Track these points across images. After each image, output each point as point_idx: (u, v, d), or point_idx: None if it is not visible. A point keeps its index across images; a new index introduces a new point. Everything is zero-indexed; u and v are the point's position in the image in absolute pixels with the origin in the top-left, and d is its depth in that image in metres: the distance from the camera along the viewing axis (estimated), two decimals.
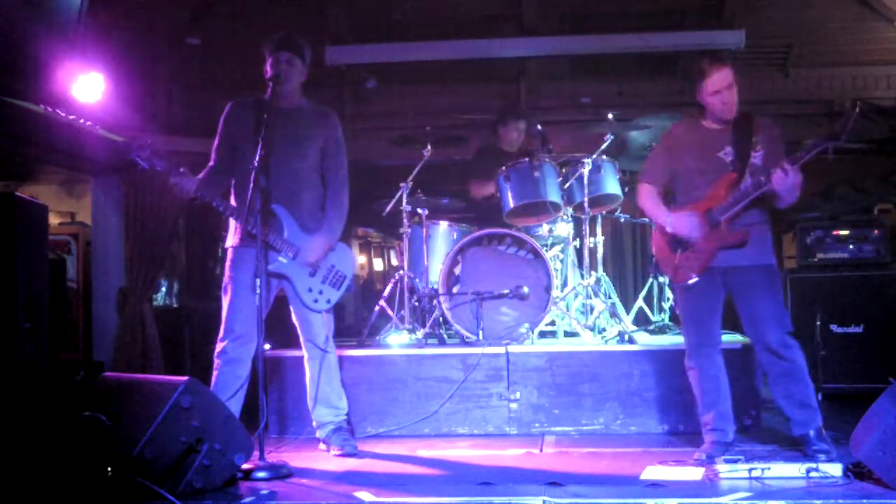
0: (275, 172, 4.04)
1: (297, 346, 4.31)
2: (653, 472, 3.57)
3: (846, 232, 5.70)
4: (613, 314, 5.36)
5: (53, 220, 7.11)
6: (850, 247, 5.68)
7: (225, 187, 4.21)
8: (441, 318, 5.28)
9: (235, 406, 3.97)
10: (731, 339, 4.65)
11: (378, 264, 12.17)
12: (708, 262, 3.87)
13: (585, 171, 5.39)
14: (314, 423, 4.32)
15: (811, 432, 3.83)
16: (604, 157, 5.51)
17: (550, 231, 5.57)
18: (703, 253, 3.87)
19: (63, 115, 5.30)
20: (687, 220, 3.89)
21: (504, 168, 5.37)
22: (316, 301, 4.14)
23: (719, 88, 3.90)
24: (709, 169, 3.91)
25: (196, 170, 4.15)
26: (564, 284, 5.69)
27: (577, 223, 5.68)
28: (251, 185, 3.78)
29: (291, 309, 4.25)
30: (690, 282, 3.89)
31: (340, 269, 4.20)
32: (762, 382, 4.79)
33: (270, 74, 4.05)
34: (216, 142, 4.22)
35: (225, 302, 4.11)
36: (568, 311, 5.56)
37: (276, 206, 4.06)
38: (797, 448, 3.98)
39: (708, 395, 3.98)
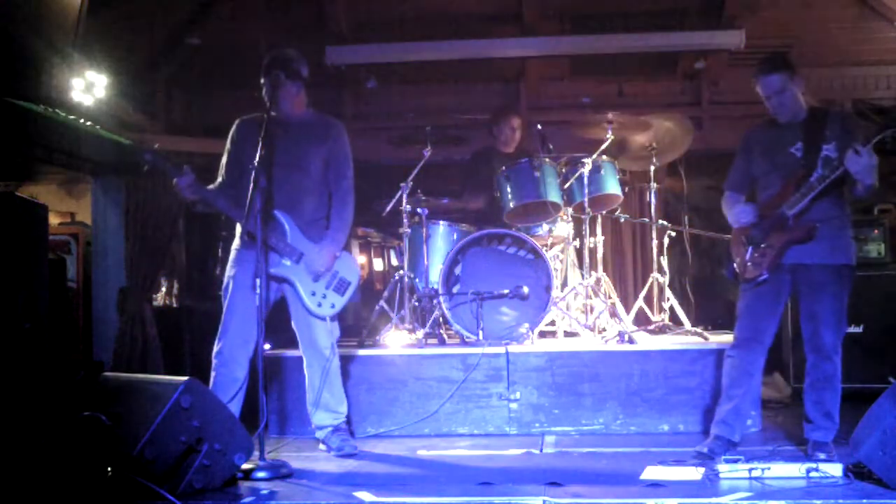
0: (278, 182, 4.05)
1: (297, 346, 4.31)
2: (653, 472, 3.57)
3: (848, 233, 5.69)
4: (613, 314, 5.35)
5: (53, 220, 7.11)
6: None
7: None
8: (441, 318, 5.28)
9: (234, 409, 3.95)
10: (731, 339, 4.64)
11: (378, 264, 12.15)
12: (778, 258, 3.85)
13: (585, 171, 5.39)
14: (313, 426, 4.32)
15: (821, 440, 3.84)
16: (604, 157, 5.51)
17: (550, 231, 5.57)
18: (772, 250, 3.85)
19: (63, 115, 5.30)
20: (742, 210, 3.92)
21: (504, 168, 5.37)
22: (320, 305, 4.14)
23: (768, 95, 3.89)
24: (781, 166, 3.89)
25: (197, 171, 4.15)
26: (564, 284, 5.69)
27: (577, 223, 5.68)
28: (251, 184, 3.77)
29: (291, 315, 4.24)
30: (761, 279, 3.88)
31: (345, 276, 4.20)
32: (761, 382, 4.80)
33: (265, 93, 4.06)
34: (224, 160, 4.24)
35: (224, 302, 4.11)
36: (568, 311, 5.56)
37: (278, 211, 4.07)
38: (797, 448, 3.99)
39: (733, 388, 3.98)
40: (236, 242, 4.17)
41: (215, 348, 4.08)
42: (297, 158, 4.14)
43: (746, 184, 4.07)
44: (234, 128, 4.25)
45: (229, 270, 4.13)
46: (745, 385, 3.97)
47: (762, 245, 3.88)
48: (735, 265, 4.01)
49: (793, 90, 3.87)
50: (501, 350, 4.83)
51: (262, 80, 4.11)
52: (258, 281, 3.75)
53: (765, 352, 3.99)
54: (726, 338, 4.59)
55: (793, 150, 3.87)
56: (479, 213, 5.90)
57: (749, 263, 3.92)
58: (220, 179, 4.21)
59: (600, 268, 5.61)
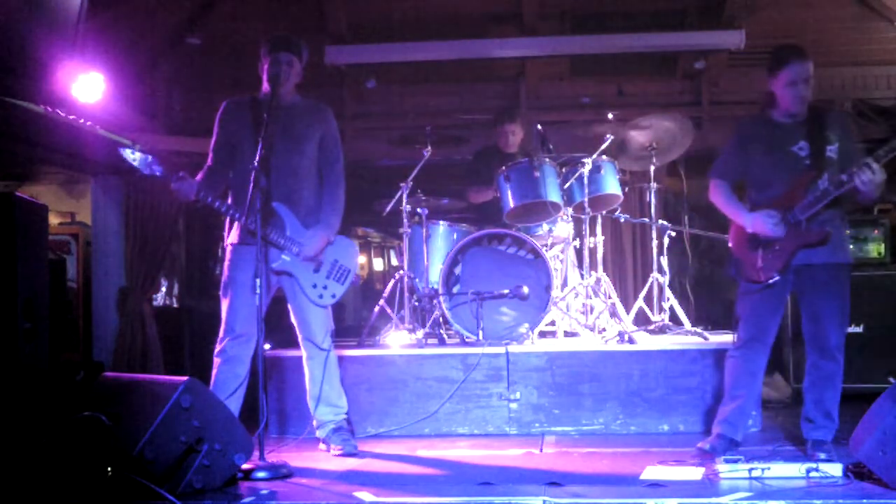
0: (274, 170, 4.04)
1: (297, 346, 4.31)
2: (653, 472, 3.57)
3: (846, 232, 5.69)
4: (613, 314, 5.35)
5: (53, 220, 7.11)
6: (850, 247, 5.66)
7: (224, 186, 4.21)
8: (441, 318, 5.28)
9: (234, 405, 3.98)
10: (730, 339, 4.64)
11: (378, 264, 12.16)
12: (789, 261, 3.81)
13: (585, 171, 5.39)
14: (314, 423, 4.32)
15: (821, 439, 3.84)
16: (604, 157, 5.52)
17: (550, 231, 5.57)
18: (785, 252, 3.81)
19: (63, 115, 5.30)
20: (769, 220, 3.82)
21: (504, 168, 5.37)
22: (321, 297, 4.15)
23: (796, 80, 3.81)
24: (783, 164, 3.85)
25: (197, 170, 4.16)
26: (564, 284, 5.69)
27: (577, 223, 5.68)
28: (251, 184, 3.78)
29: (289, 308, 4.24)
30: (771, 281, 3.83)
31: (344, 264, 4.20)
32: (763, 382, 4.80)
33: (269, 75, 4.06)
34: (213, 141, 4.22)
35: (224, 301, 4.11)
36: (568, 311, 5.55)
37: (277, 203, 4.06)
38: (797, 448, 3.99)
39: (738, 388, 3.96)
40: (233, 238, 4.15)
41: (217, 347, 4.09)
42: (293, 143, 4.14)
43: (738, 175, 4.03)
44: (222, 109, 4.23)
45: (228, 269, 4.13)
46: (749, 385, 3.97)
47: (775, 247, 3.84)
48: (740, 265, 3.96)
49: (813, 81, 3.84)
50: (501, 350, 4.83)
51: (266, 60, 4.10)
52: (258, 281, 3.75)
53: (768, 352, 3.97)
54: (726, 338, 4.58)
55: (795, 150, 3.84)
56: (480, 213, 5.90)
57: (760, 265, 3.86)
58: (208, 163, 4.20)
59: (600, 268, 5.61)
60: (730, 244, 4.04)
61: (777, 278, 3.83)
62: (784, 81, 3.84)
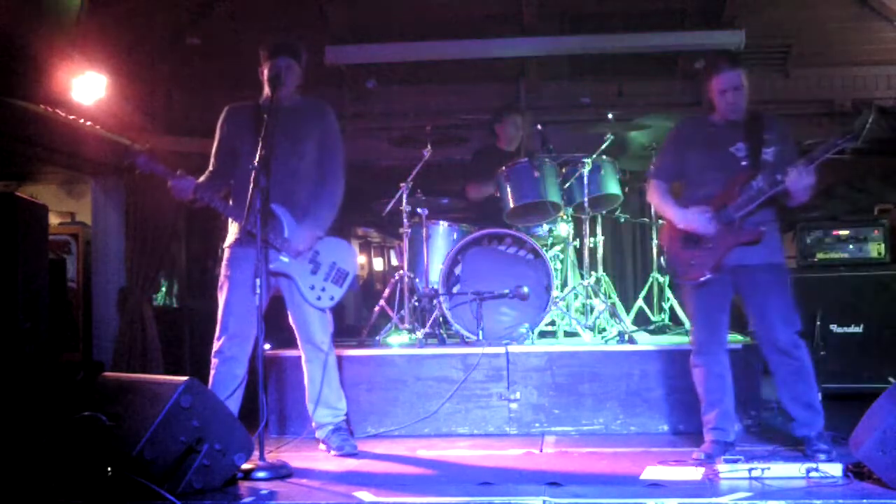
0: (274, 173, 4.04)
1: (297, 345, 4.30)
2: (653, 472, 3.57)
3: (846, 232, 5.70)
4: (613, 314, 5.35)
5: (53, 220, 7.11)
6: (850, 247, 5.68)
7: (225, 190, 4.21)
8: (441, 318, 5.28)
9: (233, 406, 3.97)
10: (731, 339, 4.63)
11: (378, 264, 12.19)
12: (721, 259, 3.84)
13: (585, 171, 5.40)
14: (313, 424, 4.32)
15: (813, 434, 3.83)
16: (604, 157, 5.52)
17: (550, 231, 5.57)
18: (717, 251, 3.84)
19: (63, 115, 5.30)
20: (699, 217, 3.87)
21: (504, 168, 5.37)
22: (319, 298, 4.14)
23: (726, 88, 3.89)
24: (719, 165, 3.89)
25: (196, 171, 4.16)
26: (564, 284, 5.69)
27: (577, 223, 5.69)
28: (251, 184, 3.78)
29: (288, 310, 4.24)
30: (703, 279, 3.86)
31: (342, 266, 4.19)
32: (763, 382, 4.80)
33: (268, 78, 4.07)
34: (215, 146, 4.22)
35: (221, 301, 4.10)
36: (568, 311, 5.56)
37: (275, 205, 4.05)
38: (797, 448, 3.98)
39: (712, 393, 3.98)
40: (230, 240, 4.16)
41: (214, 346, 4.08)
42: (293, 144, 4.14)
43: (675, 175, 4.07)
44: (223, 114, 4.24)
45: (225, 269, 4.12)
46: (722, 387, 3.97)
47: (708, 245, 3.87)
48: (673, 264, 3.99)
49: (746, 89, 3.89)
50: (501, 350, 4.83)
51: (266, 65, 4.11)
52: (258, 281, 3.75)
53: (726, 348, 4.00)
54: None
55: (733, 150, 3.88)
56: (480, 212, 5.90)
57: (692, 263, 3.90)
58: (210, 168, 4.21)
59: (600, 268, 5.61)
60: (662, 242, 4.07)
61: (709, 276, 3.85)
62: (716, 89, 3.91)
